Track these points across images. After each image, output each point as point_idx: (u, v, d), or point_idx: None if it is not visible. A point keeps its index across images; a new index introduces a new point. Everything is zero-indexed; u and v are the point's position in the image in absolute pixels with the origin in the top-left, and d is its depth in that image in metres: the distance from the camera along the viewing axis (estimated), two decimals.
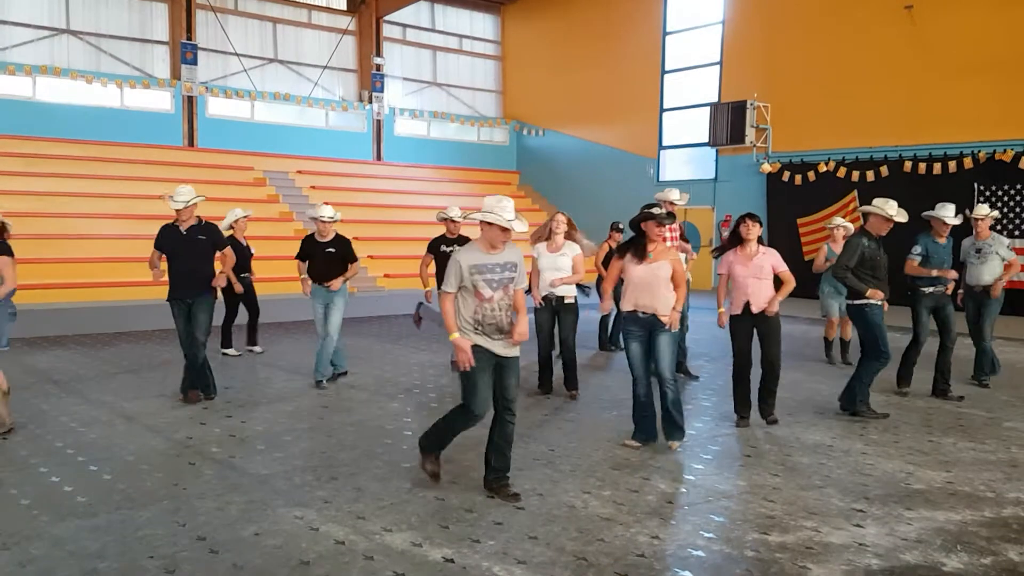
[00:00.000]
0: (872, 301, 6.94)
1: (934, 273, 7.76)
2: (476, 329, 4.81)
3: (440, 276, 8.60)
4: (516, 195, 24.02)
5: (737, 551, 4.15)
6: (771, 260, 6.69)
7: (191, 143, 19.72)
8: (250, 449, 5.98)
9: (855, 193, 16.73)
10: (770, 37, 18.42)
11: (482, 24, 25.20)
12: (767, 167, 18.22)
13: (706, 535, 4.36)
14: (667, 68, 21.05)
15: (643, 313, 5.90)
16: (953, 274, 7.85)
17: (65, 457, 5.73)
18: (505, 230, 4.75)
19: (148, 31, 19.56)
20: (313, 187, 19.39)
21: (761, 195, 18.40)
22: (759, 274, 6.63)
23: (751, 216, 6.73)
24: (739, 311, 6.70)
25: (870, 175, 16.49)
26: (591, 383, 8.55)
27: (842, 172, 16.95)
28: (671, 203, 9.14)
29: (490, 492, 4.93)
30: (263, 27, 21.29)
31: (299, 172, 19.98)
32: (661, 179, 20.92)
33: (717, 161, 19.79)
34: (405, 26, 23.58)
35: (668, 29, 20.98)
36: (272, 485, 5.13)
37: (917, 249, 7.87)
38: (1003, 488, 5.20)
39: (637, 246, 6.01)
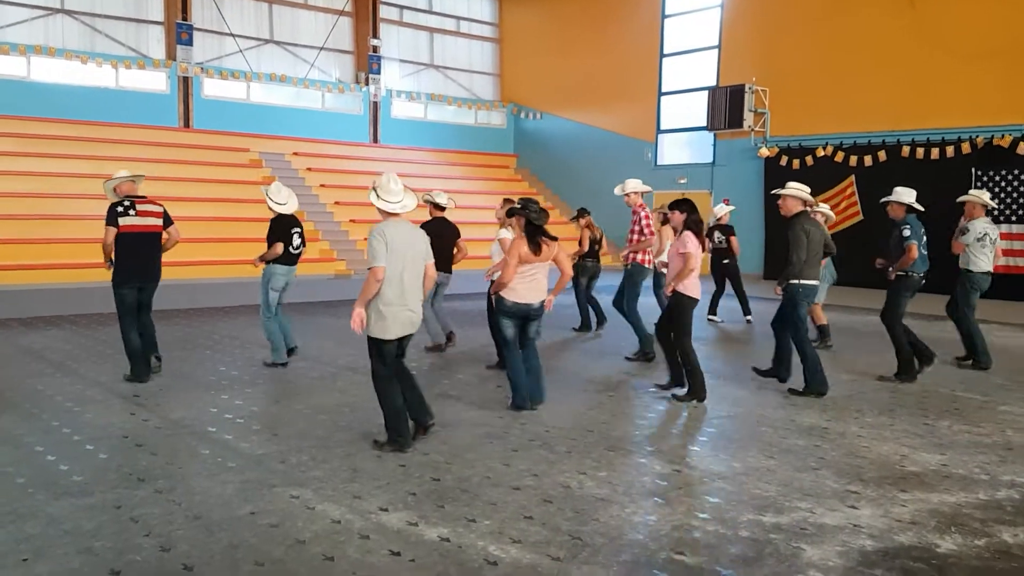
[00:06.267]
0: (801, 281, 7.10)
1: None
2: None
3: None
4: (513, 178, 23.97)
5: (732, 531, 4.16)
6: None
7: (186, 124, 19.61)
8: (245, 429, 5.98)
9: (853, 178, 16.72)
10: (769, 21, 18.33)
11: (480, 6, 25.03)
12: (765, 151, 18.18)
13: (701, 516, 4.37)
14: (665, 52, 20.96)
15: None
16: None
17: (61, 436, 5.72)
18: None
19: (143, 11, 19.41)
20: (309, 169, 19.32)
21: (759, 179, 18.37)
22: None
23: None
24: (697, 294, 6.95)
25: (868, 160, 16.47)
26: (584, 364, 8.55)
27: (840, 157, 16.92)
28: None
29: None
30: (259, 7, 21.12)
31: (295, 154, 19.90)
32: (659, 163, 20.89)
33: (715, 145, 19.75)
34: (402, 7, 23.43)
35: (667, 12, 20.87)
36: (268, 465, 5.13)
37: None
38: (997, 470, 5.22)
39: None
